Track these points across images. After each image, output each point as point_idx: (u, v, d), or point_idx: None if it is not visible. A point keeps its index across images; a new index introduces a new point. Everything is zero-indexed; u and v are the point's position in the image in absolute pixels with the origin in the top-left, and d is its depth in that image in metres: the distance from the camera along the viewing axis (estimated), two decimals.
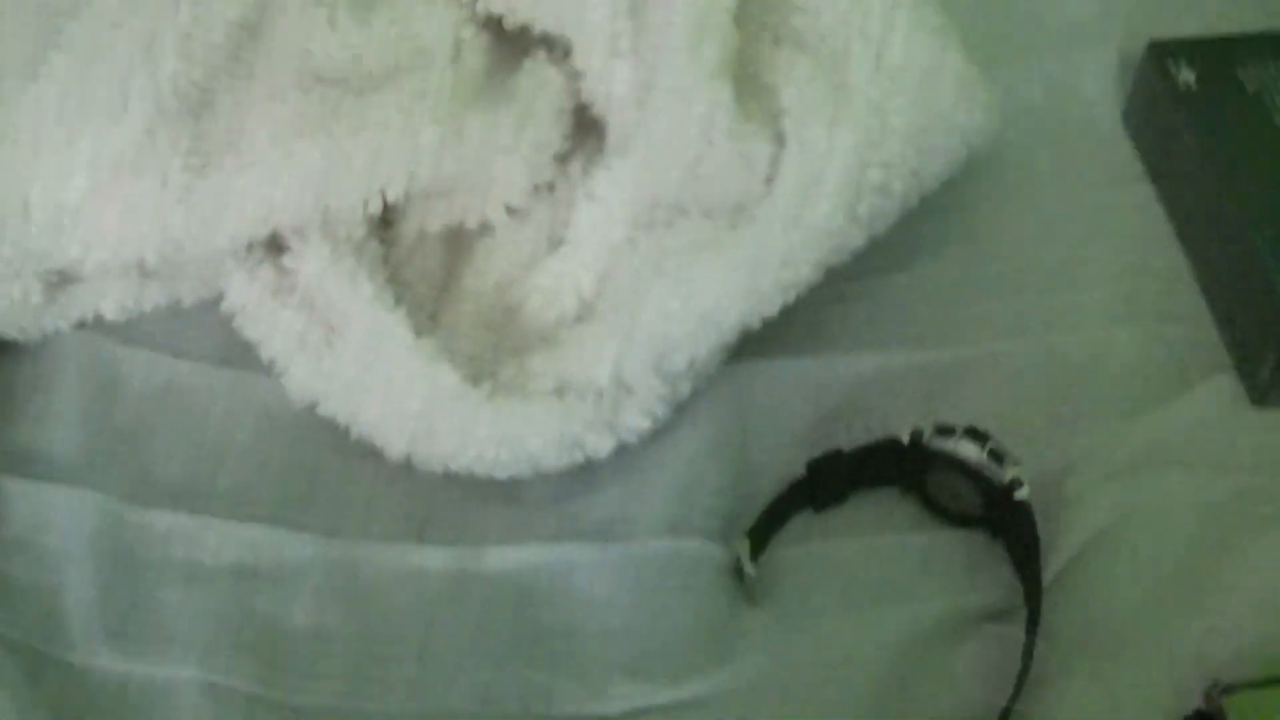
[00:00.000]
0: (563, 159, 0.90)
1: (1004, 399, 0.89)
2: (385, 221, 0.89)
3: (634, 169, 0.86)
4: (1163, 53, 0.99)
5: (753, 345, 0.88)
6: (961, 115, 0.89)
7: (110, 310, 0.89)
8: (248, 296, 0.87)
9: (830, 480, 0.85)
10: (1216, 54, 0.98)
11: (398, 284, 0.88)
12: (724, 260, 0.84)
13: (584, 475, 0.85)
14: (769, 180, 0.86)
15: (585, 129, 0.91)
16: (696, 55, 0.86)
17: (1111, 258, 0.96)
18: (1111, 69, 1.04)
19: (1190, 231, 0.96)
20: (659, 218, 0.87)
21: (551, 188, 0.90)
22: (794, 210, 0.84)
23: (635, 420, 0.84)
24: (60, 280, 0.88)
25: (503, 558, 0.83)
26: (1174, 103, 0.96)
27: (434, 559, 0.83)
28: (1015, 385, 0.90)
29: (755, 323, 0.86)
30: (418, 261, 0.89)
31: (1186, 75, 0.97)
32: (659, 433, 0.86)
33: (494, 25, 0.92)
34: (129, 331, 0.90)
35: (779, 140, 0.86)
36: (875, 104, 0.87)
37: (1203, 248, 0.95)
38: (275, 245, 0.88)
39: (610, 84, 0.88)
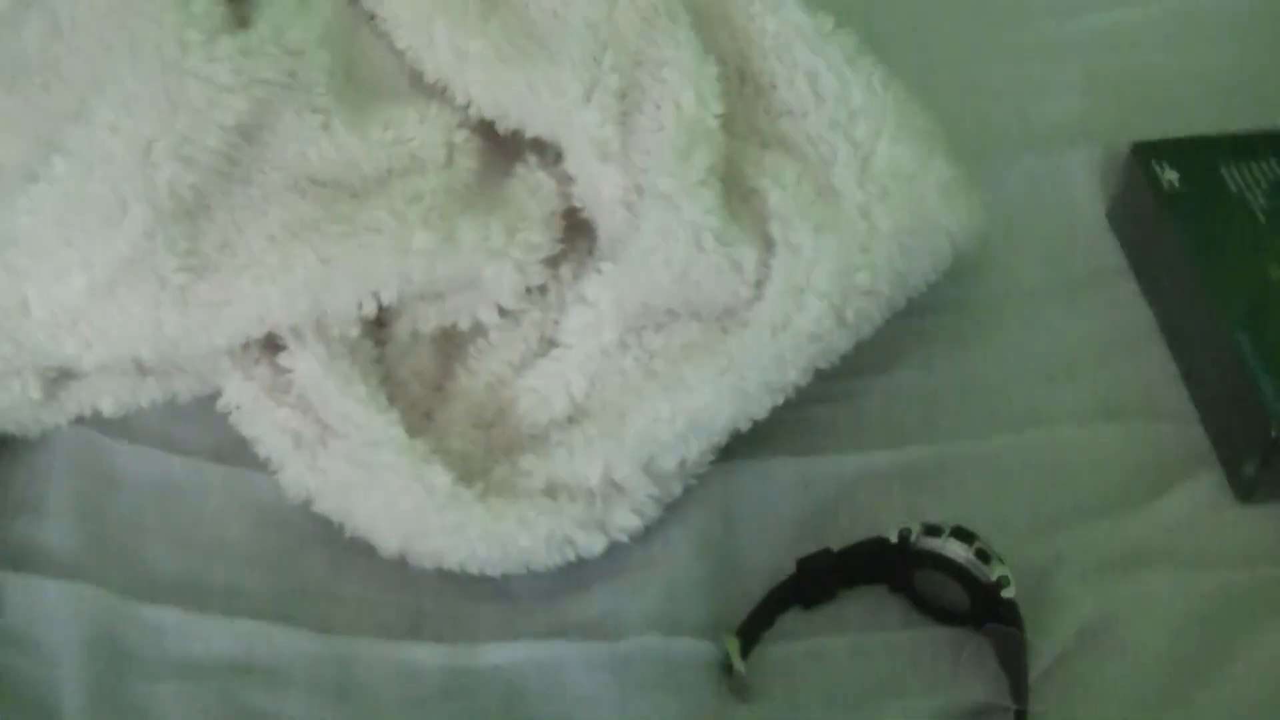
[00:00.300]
0: (554, 262, 0.91)
1: (989, 497, 0.90)
2: (379, 321, 0.90)
3: (624, 273, 0.87)
4: (1147, 153, 1.00)
5: (740, 445, 0.89)
6: (947, 217, 0.90)
7: (107, 406, 0.90)
8: (244, 394, 0.88)
9: (819, 578, 0.86)
10: (1199, 154, 1.00)
11: (391, 383, 0.89)
12: (713, 364, 0.85)
13: (575, 573, 0.86)
14: (758, 284, 0.87)
15: (577, 232, 0.92)
16: (686, 162, 0.87)
17: (1096, 355, 0.97)
18: (1096, 167, 1.05)
19: (1175, 329, 0.97)
20: (649, 320, 0.88)
21: (543, 290, 0.91)
22: (782, 315, 0.86)
23: (626, 520, 0.85)
24: (58, 377, 0.89)
25: (494, 654, 0.84)
26: (1158, 202, 0.98)
27: (426, 655, 0.84)
28: (1000, 483, 0.91)
29: (744, 425, 0.87)
30: (411, 361, 0.90)
31: (1170, 175, 0.98)
32: (648, 531, 0.87)
33: (486, 129, 0.93)
34: (125, 427, 0.91)
35: (767, 244, 0.87)
36: (862, 208, 0.88)
37: (1187, 345, 0.96)
38: (271, 343, 0.89)
39: (600, 189, 0.89)
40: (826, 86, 0.91)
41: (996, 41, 1.14)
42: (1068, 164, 1.06)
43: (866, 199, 0.88)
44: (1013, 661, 0.82)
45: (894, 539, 0.84)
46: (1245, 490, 0.90)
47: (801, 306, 0.86)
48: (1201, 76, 1.12)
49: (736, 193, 0.89)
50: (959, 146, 0.94)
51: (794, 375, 0.86)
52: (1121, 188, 1.03)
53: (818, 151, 0.91)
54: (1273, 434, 0.87)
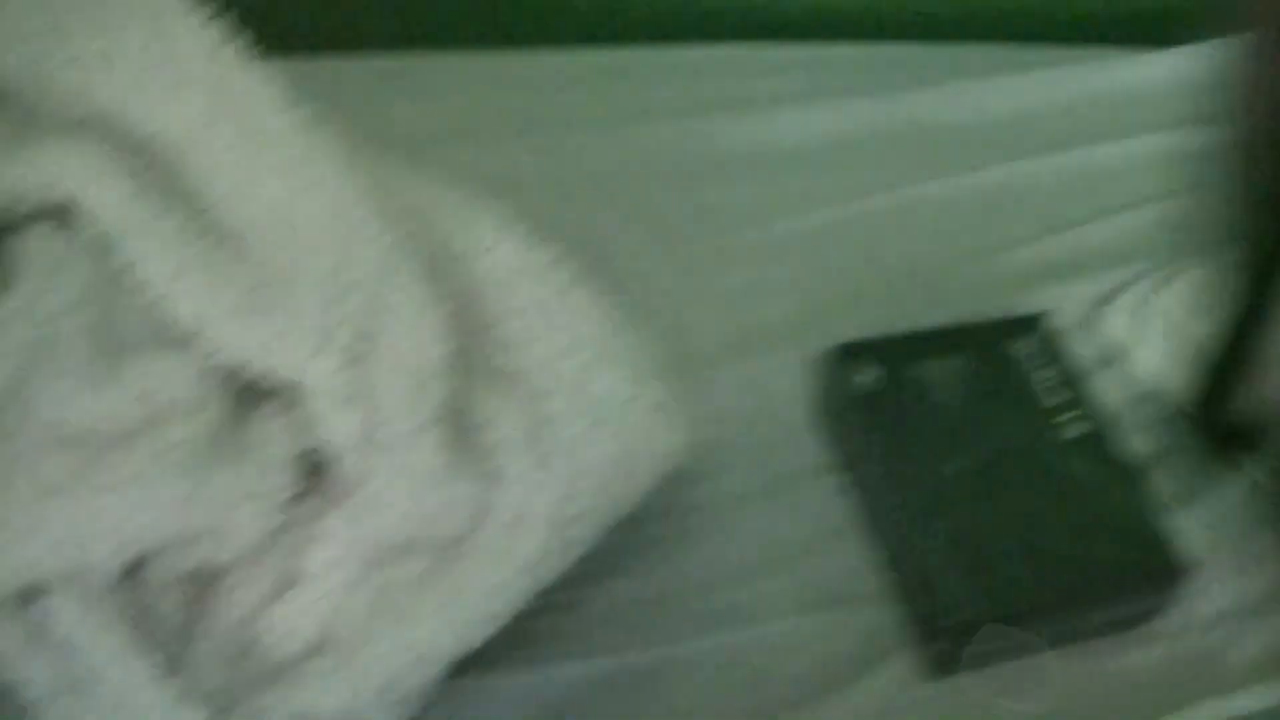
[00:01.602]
0: (297, 501, 0.96)
1: (704, 695, 0.97)
2: (131, 567, 0.93)
3: (360, 511, 0.93)
4: (846, 354, 1.08)
5: (468, 661, 0.93)
6: (659, 439, 0.99)
7: None
8: (4, 644, 0.91)
9: None
10: (898, 353, 1.08)
11: (145, 624, 0.92)
12: (438, 595, 0.92)
13: None
14: (481, 515, 0.94)
15: (319, 471, 0.97)
16: (413, 404, 0.94)
17: (801, 548, 1.05)
18: (803, 368, 1.11)
19: (877, 518, 1.05)
20: (386, 556, 0.94)
21: (286, 528, 0.95)
22: (505, 543, 0.93)
23: None
24: None
25: None
26: (856, 402, 1.06)
27: None
28: (713, 681, 0.98)
29: (471, 647, 0.93)
30: (164, 603, 0.94)
31: (868, 375, 1.07)
32: None
33: (233, 376, 0.97)
34: None
35: (492, 477, 0.94)
36: (579, 437, 0.96)
37: (887, 533, 1.04)
38: (29, 593, 0.91)
39: (337, 431, 0.95)
40: (545, 321, 0.99)
41: (713, 247, 1.22)
42: (777, 366, 1.13)
43: (583, 427, 0.96)
44: None
45: None
46: (937, 667, 0.99)
47: (523, 535, 0.93)
48: (910, 271, 1.21)
49: (463, 426, 0.96)
50: (674, 357, 1.01)
51: (516, 599, 0.93)
52: (824, 387, 1.10)
53: (535, 385, 0.97)
54: (941, 623, 0.96)
